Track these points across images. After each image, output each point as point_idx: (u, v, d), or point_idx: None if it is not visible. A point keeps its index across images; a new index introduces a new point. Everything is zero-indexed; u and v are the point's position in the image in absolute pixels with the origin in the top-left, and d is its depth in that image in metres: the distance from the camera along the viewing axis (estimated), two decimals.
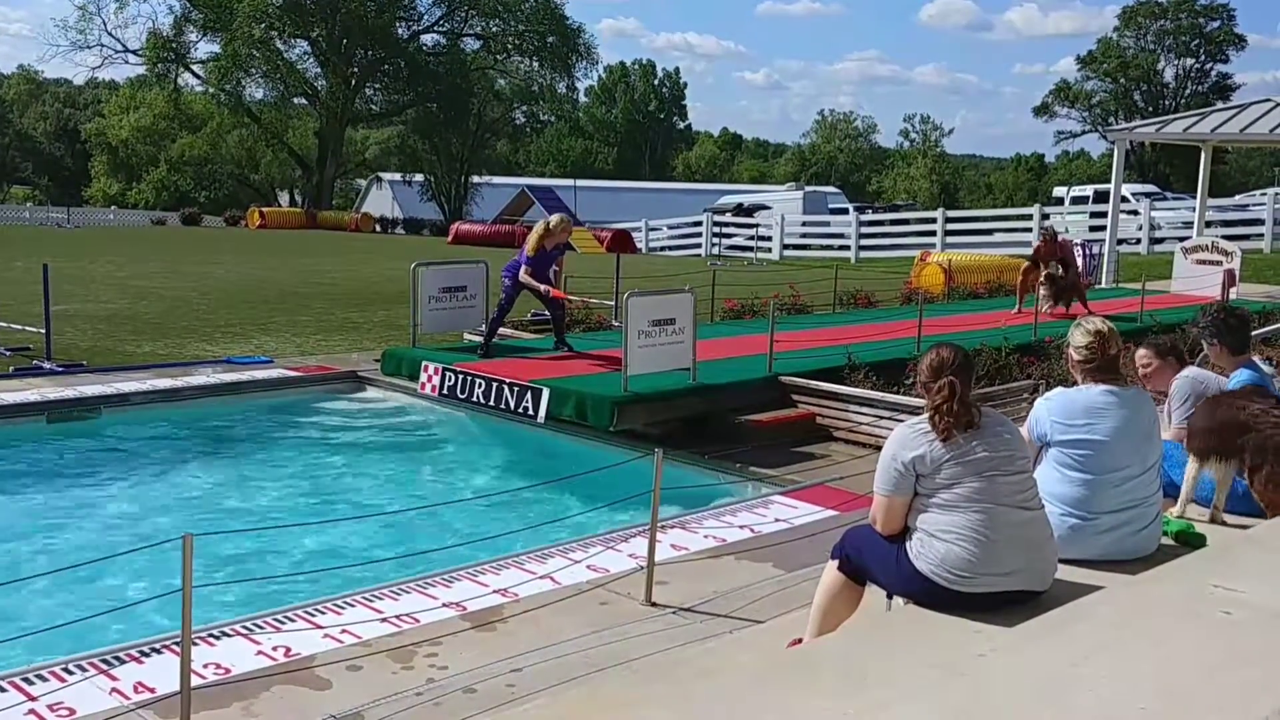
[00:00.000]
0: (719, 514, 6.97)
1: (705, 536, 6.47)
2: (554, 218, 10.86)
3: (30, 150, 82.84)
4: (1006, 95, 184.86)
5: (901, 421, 4.53)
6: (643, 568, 5.47)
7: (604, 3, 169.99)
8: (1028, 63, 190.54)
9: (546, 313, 11.55)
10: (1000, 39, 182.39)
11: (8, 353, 11.49)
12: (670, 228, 40.47)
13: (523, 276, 10.35)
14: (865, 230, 34.95)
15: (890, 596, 4.12)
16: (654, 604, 5.32)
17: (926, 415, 4.01)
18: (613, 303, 14.48)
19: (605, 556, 5.97)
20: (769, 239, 34.97)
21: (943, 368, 4.04)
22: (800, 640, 4.15)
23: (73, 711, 4.06)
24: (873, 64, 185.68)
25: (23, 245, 24.99)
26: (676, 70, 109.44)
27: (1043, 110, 69.39)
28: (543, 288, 10.40)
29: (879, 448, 4.28)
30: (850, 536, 4.21)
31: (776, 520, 6.81)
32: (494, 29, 56.24)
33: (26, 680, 4.27)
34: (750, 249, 33.74)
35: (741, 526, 6.66)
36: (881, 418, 8.72)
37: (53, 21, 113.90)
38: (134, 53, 54.88)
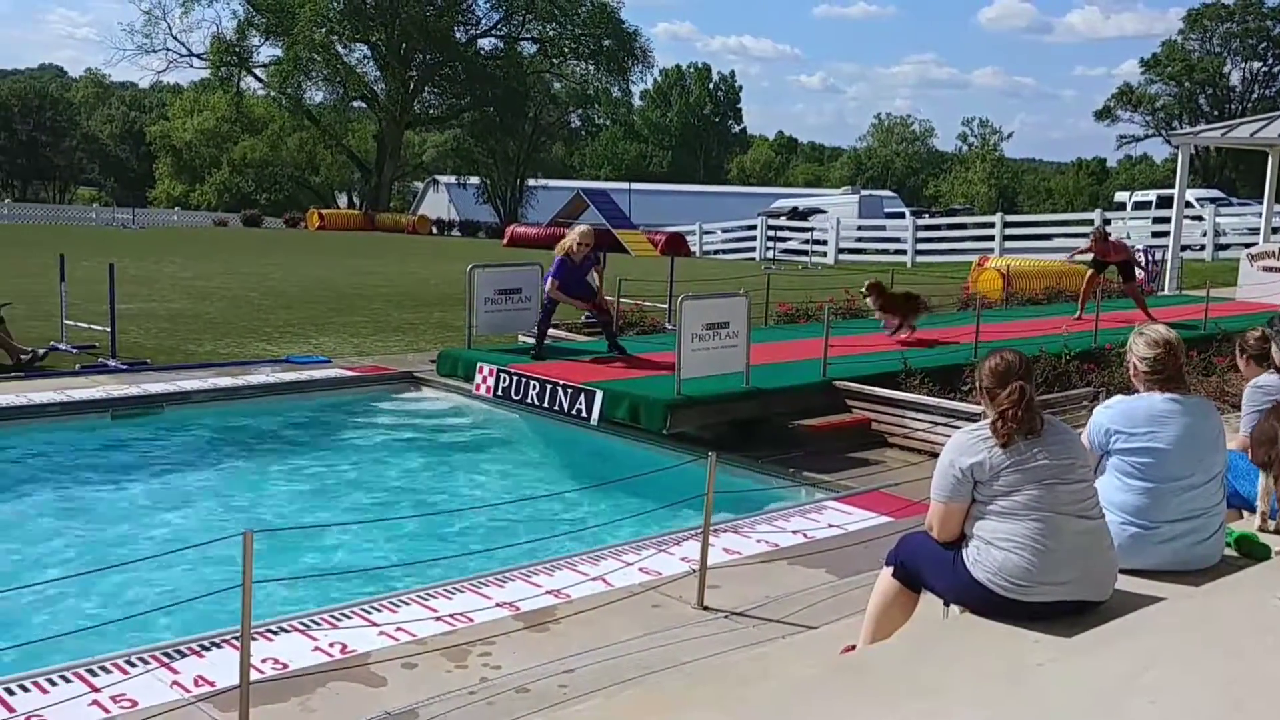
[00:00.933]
0: (772, 519, 6.94)
1: (758, 541, 6.45)
2: (572, 234, 10.93)
3: (97, 152, 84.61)
4: (1067, 98, 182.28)
5: (958, 428, 4.49)
6: (695, 571, 5.47)
7: (659, 6, 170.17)
8: (1089, 65, 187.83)
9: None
10: (1060, 41, 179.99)
11: (74, 350, 11.74)
12: (724, 231, 40.41)
13: (551, 292, 10.53)
14: (922, 234, 34.67)
15: (946, 604, 4.08)
16: (706, 607, 5.31)
17: (987, 421, 3.96)
18: (666, 306, 14.48)
19: (657, 559, 5.98)
20: (824, 243, 34.80)
21: (1010, 372, 3.99)
22: (854, 647, 4.13)
23: (135, 703, 4.13)
24: (930, 67, 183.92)
25: (90, 245, 25.51)
26: (731, 73, 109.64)
27: (1105, 114, 68.40)
28: (576, 302, 10.54)
29: (935, 454, 4.25)
30: (905, 543, 4.18)
31: (830, 526, 6.77)
32: (551, 33, 56.54)
33: (90, 672, 4.35)
34: (805, 253, 33.60)
35: (795, 531, 6.64)
36: (938, 424, 8.64)
37: (119, 26, 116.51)
38: (198, 56, 55.90)
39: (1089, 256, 15.12)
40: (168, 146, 69.25)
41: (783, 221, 39.03)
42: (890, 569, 4.15)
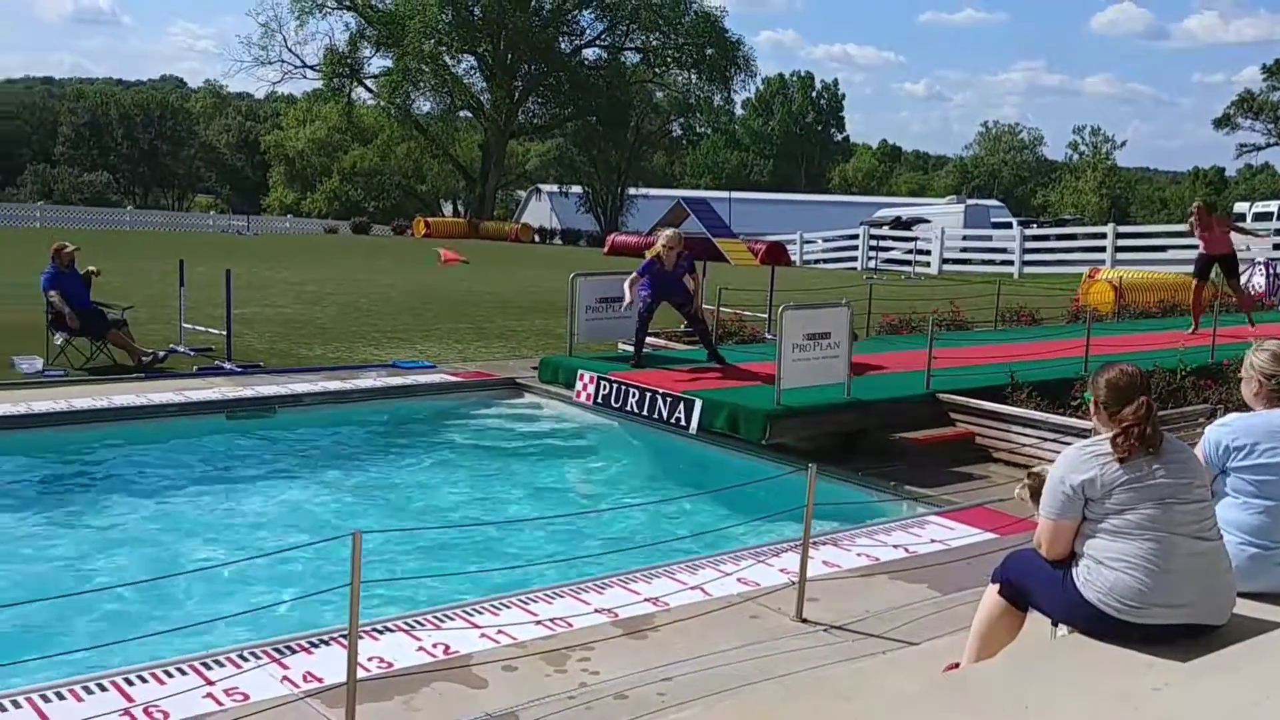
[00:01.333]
0: (872, 532, 6.87)
1: (858, 554, 6.38)
2: (659, 238, 10.93)
3: (214, 161, 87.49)
4: (1183, 106, 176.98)
5: (1067, 444, 4.39)
6: (794, 583, 5.44)
7: (763, 16, 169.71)
8: (1207, 72, 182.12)
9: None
10: (1178, 47, 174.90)
11: (192, 353, 12.15)
12: (825, 240, 40.06)
13: (631, 287, 10.52)
14: (1030, 245, 33.89)
15: (1054, 624, 3.99)
16: (805, 620, 5.27)
17: (1101, 437, 3.87)
18: (766, 315, 14.42)
19: (756, 570, 5.95)
20: (928, 253, 34.27)
21: (1132, 387, 3.89)
22: (957, 665, 4.06)
23: (246, 697, 4.26)
24: (1039, 74, 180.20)
25: (206, 251, 26.37)
26: (835, 81, 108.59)
27: (1224, 122, 66.10)
28: (629, 296, 10.46)
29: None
30: (1013, 560, 4.10)
31: (932, 541, 6.67)
32: (654, 43, 56.79)
33: (205, 665, 4.50)
34: (908, 263, 33.13)
35: (896, 546, 6.55)
36: (1045, 439, 8.45)
37: (238, 39, 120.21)
38: (311, 68, 57.44)
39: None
40: (281, 155, 71.22)
41: (885, 231, 38.54)
42: (997, 586, 4.07)
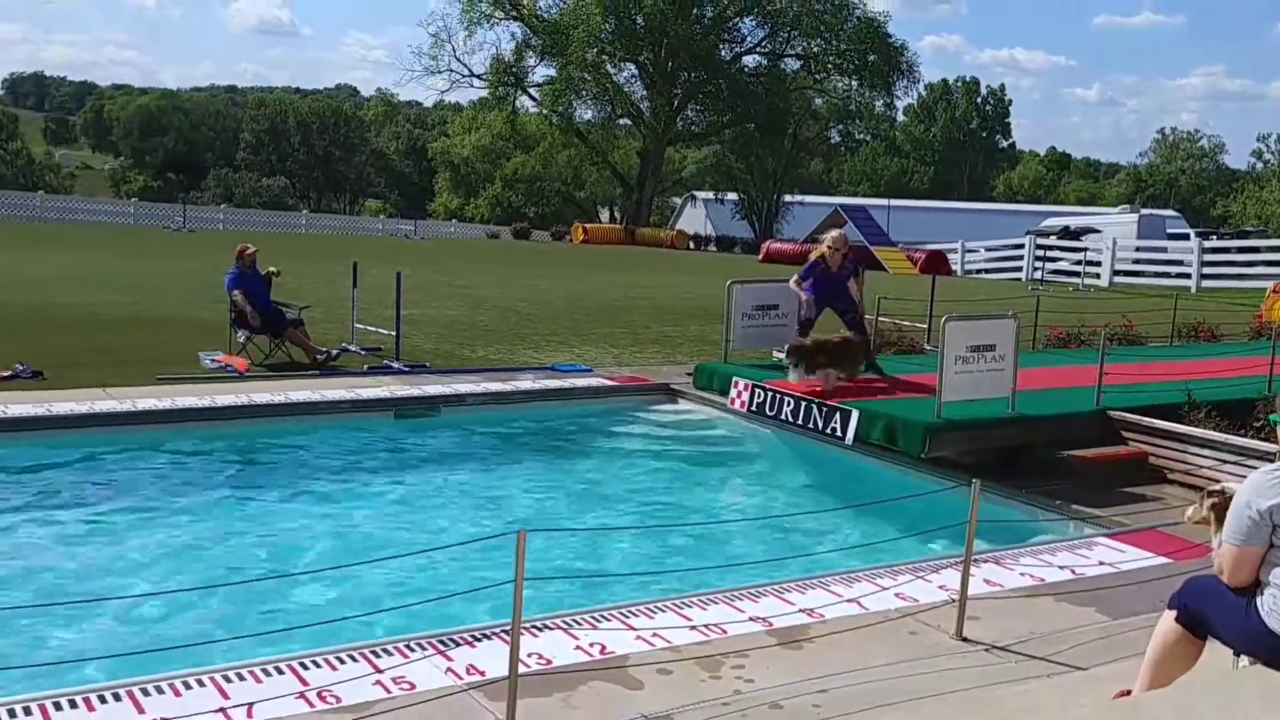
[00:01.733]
0: (1037, 552, 6.67)
1: (1021, 574, 6.21)
2: (824, 239, 10.80)
3: (383, 167, 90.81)
4: None
5: (1251, 467, 4.18)
6: (954, 600, 5.32)
7: (927, 20, 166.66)
8: None
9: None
10: None
11: (363, 352, 12.64)
12: (988, 250, 39.00)
13: (795, 285, 10.51)
14: (1208, 258, 32.29)
15: (1236, 654, 3.81)
16: (965, 639, 5.16)
17: None
18: (926, 326, 14.15)
19: (914, 586, 5.85)
20: (1098, 264, 33.02)
21: None
22: (1128, 692, 3.92)
23: (413, 686, 4.41)
24: (1220, 79, 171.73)
25: (376, 254, 27.38)
26: (1001, 87, 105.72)
27: None
28: (804, 297, 10.40)
29: None
30: (1192, 585, 3.93)
31: (1101, 563, 6.44)
32: (815, 49, 56.35)
33: (374, 653, 4.67)
34: (1076, 274, 31.99)
35: (1061, 567, 6.34)
36: (1224, 461, 8.06)
37: (409, 48, 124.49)
38: (478, 77, 59.03)
39: None
40: (447, 162, 73.44)
41: (1052, 241, 37.27)
42: (1174, 612, 3.91)
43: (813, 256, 10.73)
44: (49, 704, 4.08)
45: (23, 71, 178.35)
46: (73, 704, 4.09)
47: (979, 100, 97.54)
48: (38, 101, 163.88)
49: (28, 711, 4.03)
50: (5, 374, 10.26)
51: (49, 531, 6.87)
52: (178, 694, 4.22)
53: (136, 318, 15.05)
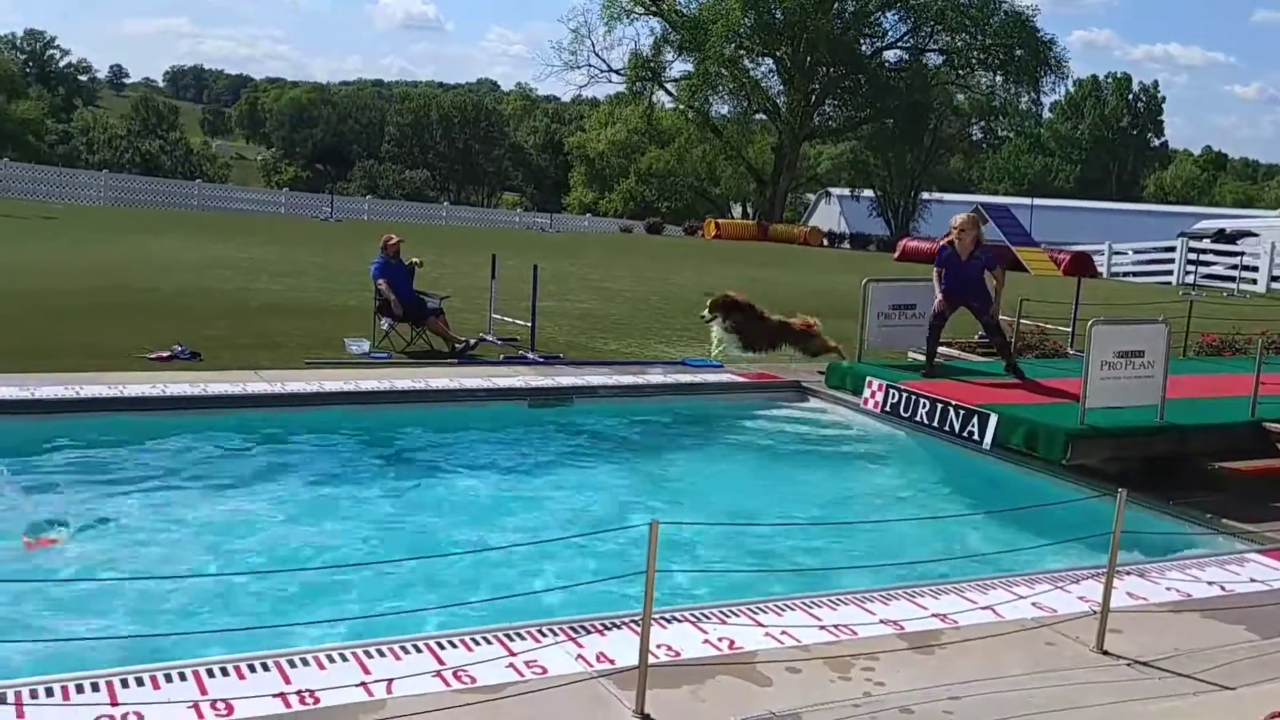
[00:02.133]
0: (1183, 566, 6.43)
1: (1167, 589, 6.00)
2: (954, 220, 10.49)
3: (520, 160, 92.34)
4: None
5: None
6: (1095, 612, 5.18)
7: (1076, 14, 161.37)
8: None
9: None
10: None
11: (500, 342, 12.90)
12: (1136, 252, 37.59)
13: (935, 280, 10.24)
14: None
15: None
16: (1106, 652, 5.01)
17: None
18: (1070, 329, 13.74)
19: (1052, 596, 5.70)
20: (1254, 269, 31.51)
21: None
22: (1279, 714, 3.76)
23: (545, 670, 4.50)
24: None
25: (512, 246, 27.83)
26: (1154, 83, 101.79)
27: None
28: (937, 293, 10.15)
29: None
30: None
31: (1252, 580, 6.18)
32: (959, 44, 55.09)
33: (508, 636, 4.78)
34: (1231, 279, 30.59)
35: (1210, 582, 6.10)
36: None
37: (549, 43, 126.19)
38: (616, 72, 59.40)
39: None
40: (582, 156, 74.22)
41: (1206, 244, 35.70)
42: None
43: (941, 242, 10.49)
44: (238, 667, 4.29)
45: (183, 65, 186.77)
46: (224, 671, 4.29)
47: (1130, 97, 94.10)
48: (196, 94, 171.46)
49: (170, 679, 4.24)
50: (165, 355, 10.79)
51: (203, 508, 7.21)
52: (322, 667, 4.38)
53: (287, 304, 15.64)
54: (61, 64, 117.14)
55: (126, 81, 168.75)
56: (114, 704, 3.98)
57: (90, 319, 12.94)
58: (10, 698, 3.95)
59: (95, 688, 4.08)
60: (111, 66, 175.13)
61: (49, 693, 4.02)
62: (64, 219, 30.57)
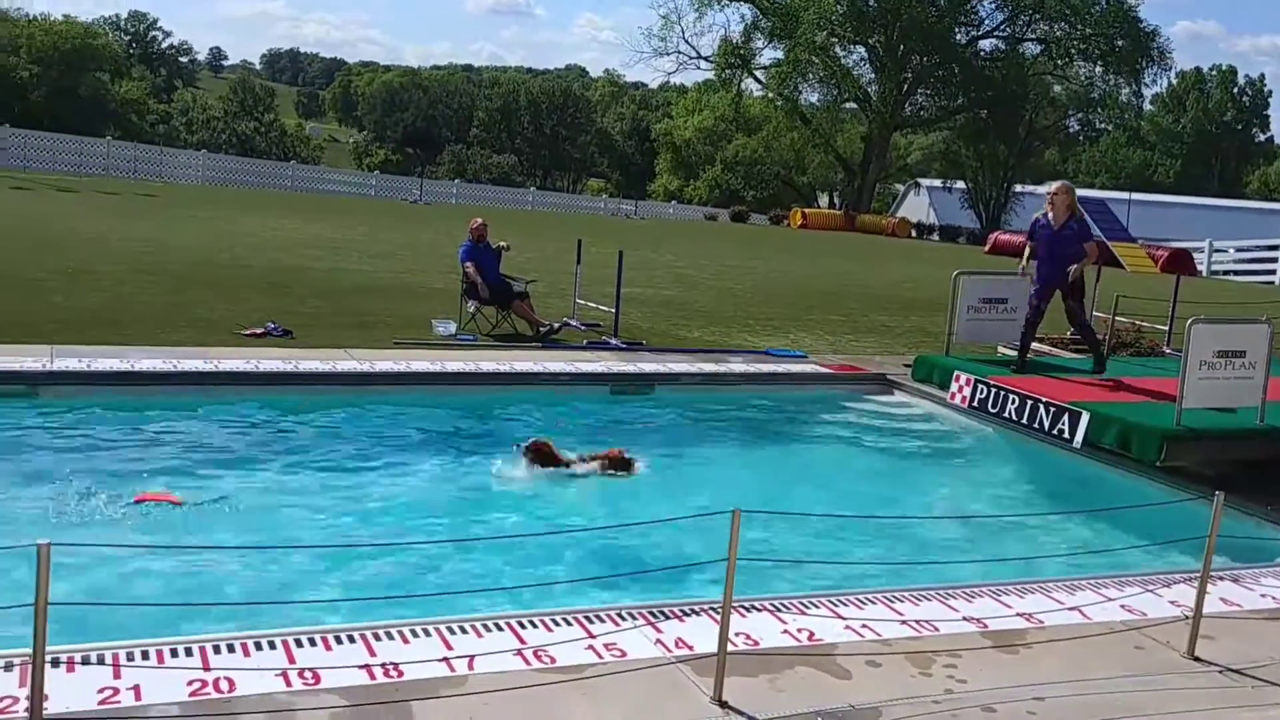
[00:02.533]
0: None
1: (1262, 595, 5.83)
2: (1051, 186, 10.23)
3: (607, 146, 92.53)
4: None
5: None
6: (1187, 618, 5.05)
7: (1180, 4, 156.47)
8: None
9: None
10: None
11: (583, 327, 12.97)
12: (1239, 250, 36.49)
13: (1025, 264, 10.09)
14: None
15: None
16: (1197, 658, 4.88)
17: None
18: (1166, 328, 13.39)
19: (1143, 599, 5.57)
20: None
21: None
22: None
23: (624, 654, 4.52)
24: None
25: (597, 232, 27.95)
26: (1261, 77, 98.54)
27: None
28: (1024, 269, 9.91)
29: None
30: None
31: None
32: (1058, 33, 53.86)
33: (588, 619, 4.81)
34: None
35: None
36: None
37: (639, 30, 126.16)
38: (705, 59, 59.26)
39: None
40: (669, 143, 74.09)
41: None
42: None
43: (1035, 215, 10.20)
44: (325, 638, 4.39)
45: (280, 47, 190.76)
46: (312, 641, 4.38)
47: (1235, 91, 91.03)
48: (292, 76, 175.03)
49: (260, 646, 4.34)
50: (258, 331, 11.05)
51: (286, 480, 7.37)
52: (405, 641, 4.46)
53: (376, 284, 15.91)
54: (163, 46, 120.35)
55: (225, 64, 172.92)
56: (206, 669, 4.09)
57: (187, 294, 13.30)
58: (108, 659, 4.08)
59: (189, 653, 4.20)
60: (211, 49, 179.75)
61: (145, 656, 4.15)
62: (164, 197, 31.44)
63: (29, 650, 3.39)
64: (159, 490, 6.75)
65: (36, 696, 3.40)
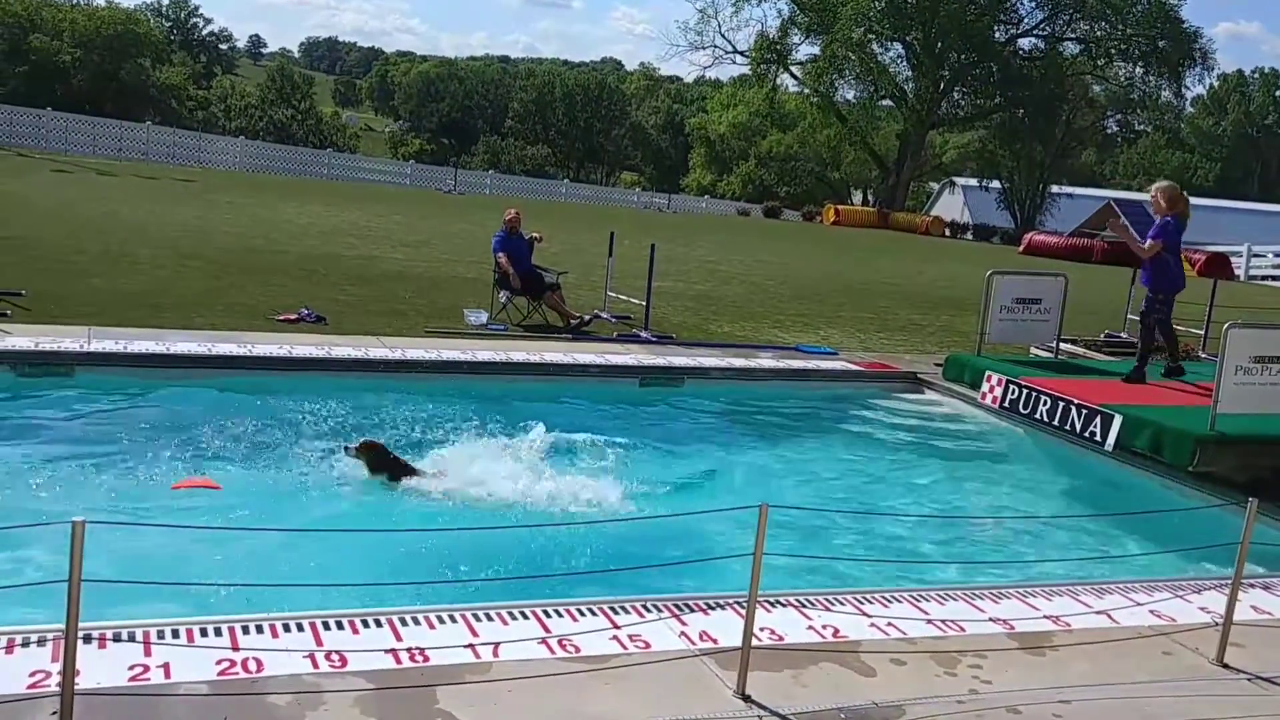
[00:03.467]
0: None
1: None
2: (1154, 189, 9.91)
3: (641, 140, 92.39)
4: None
5: None
6: (1217, 624, 5.00)
7: (1222, 5, 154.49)
8: None
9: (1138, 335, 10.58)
10: None
11: (614, 320, 12.98)
12: (1277, 255, 36.03)
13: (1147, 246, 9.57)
14: None
15: None
16: (1226, 665, 4.84)
17: None
18: (1201, 331, 13.25)
19: (1171, 604, 5.52)
20: None
21: None
22: None
23: (648, 645, 4.53)
24: None
25: (629, 225, 27.96)
26: None
27: None
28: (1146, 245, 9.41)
29: None
30: None
31: None
32: (1098, 32, 53.34)
33: (613, 609, 4.82)
34: None
35: None
36: None
37: (676, 24, 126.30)
38: (741, 53, 59.16)
39: None
40: (703, 138, 74.01)
41: None
42: None
43: (1158, 216, 9.66)
44: (352, 621, 4.43)
45: (318, 36, 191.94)
46: (339, 625, 4.42)
47: (1277, 94, 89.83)
48: (330, 65, 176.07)
49: (288, 628, 4.38)
50: (292, 317, 11.13)
51: (315, 465, 7.43)
52: (432, 626, 4.49)
53: (409, 272, 15.99)
54: (204, 32, 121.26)
55: (264, 51, 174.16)
56: (235, 649, 4.14)
57: (223, 279, 13.41)
58: (139, 636, 4.14)
59: (218, 632, 4.25)
60: (250, 36, 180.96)
61: (175, 634, 4.20)
62: (202, 182, 31.71)
63: (62, 626, 3.44)
64: (198, 477, 6.82)
65: (68, 671, 3.45)
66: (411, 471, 7.12)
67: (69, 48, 63.56)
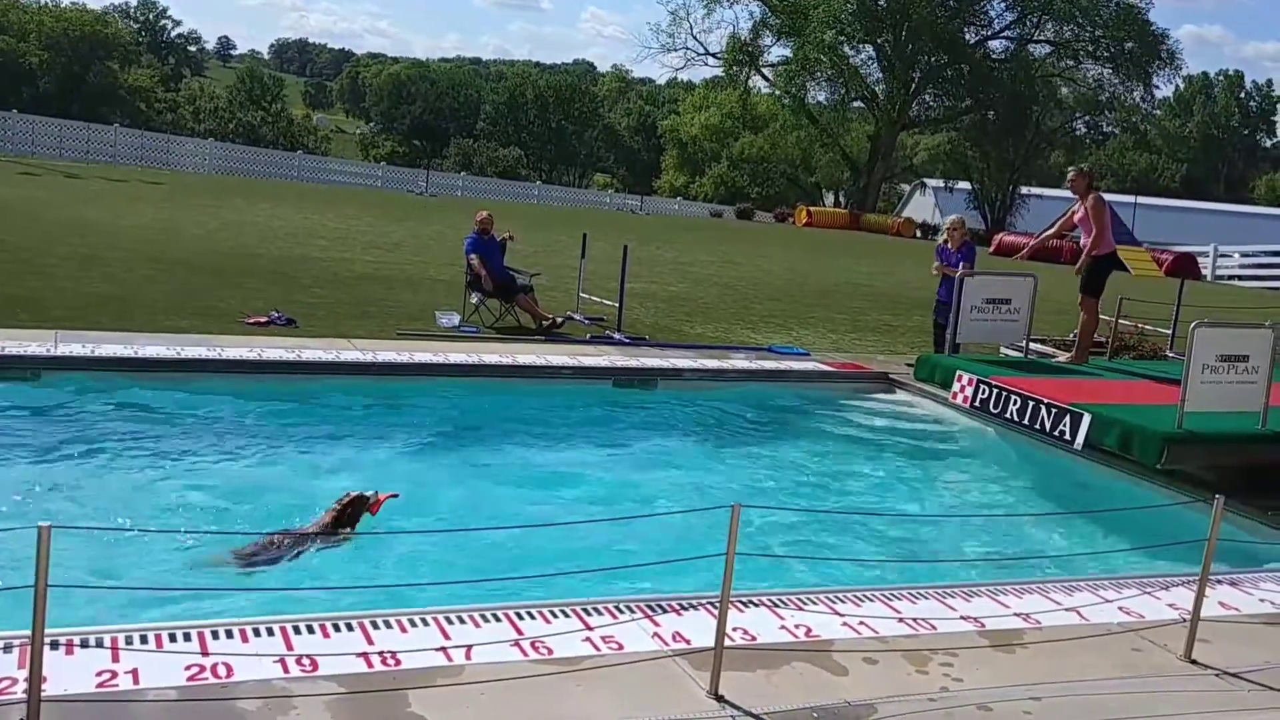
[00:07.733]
0: (1279, 577, 6.23)
1: (1260, 600, 5.83)
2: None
3: (613, 142, 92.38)
4: None
5: None
6: (1185, 621, 5.05)
7: (1186, 8, 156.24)
8: None
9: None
10: None
11: (586, 321, 12.97)
12: (1245, 256, 36.48)
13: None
14: None
15: None
16: (1193, 661, 4.89)
17: None
18: (1170, 331, 13.38)
19: (1141, 601, 5.57)
20: None
21: None
22: None
23: (621, 646, 4.52)
24: None
25: (602, 227, 27.96)
26: (1268, 82, 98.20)
27: None
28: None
29: None
30: None
31: None
32: (1067, 34, 53.78)
33: (585, 611, 4.81)
34: None
35: None
36: None
37: (648, 26, 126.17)
38: (713, 55, 59.25)
39: None
40: (675, 140, 74.08)
41: None
42: None
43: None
44: (323, 625, 4.40)
45: (288, 37, 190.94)
46: (310, 629, 4.38)
47: (1241, 95, 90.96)
48: (300, 67, 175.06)
49: (258, 633, 4.35)
50: (262, 320, 11.06)
51: (287, 466, 7.39)
52: (404, 630, 4.47)
53: (381, 275, 15.91)
54: (172, 34, 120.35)
55: (233, 53, 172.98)
56: (204, 654, 4.10)
57: (193, 282, 13.30)
58: (107, 642, 4.10)
59: (187, 637, 4.21)
60: (219, 38, 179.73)
61: (143, 639, 4.16)
62: (171, 185, 31.45)
63: (28, 632, 3.40)
64: (384, 493, 6.33)
65: (35, 678, 3.41)
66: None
67: (36, 49, 62.91)
